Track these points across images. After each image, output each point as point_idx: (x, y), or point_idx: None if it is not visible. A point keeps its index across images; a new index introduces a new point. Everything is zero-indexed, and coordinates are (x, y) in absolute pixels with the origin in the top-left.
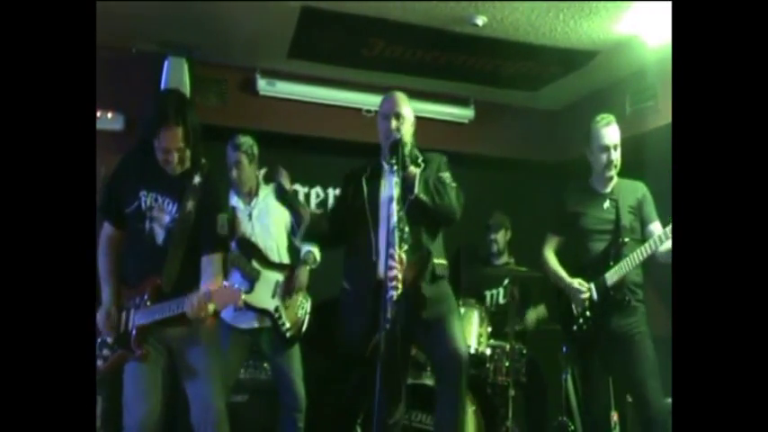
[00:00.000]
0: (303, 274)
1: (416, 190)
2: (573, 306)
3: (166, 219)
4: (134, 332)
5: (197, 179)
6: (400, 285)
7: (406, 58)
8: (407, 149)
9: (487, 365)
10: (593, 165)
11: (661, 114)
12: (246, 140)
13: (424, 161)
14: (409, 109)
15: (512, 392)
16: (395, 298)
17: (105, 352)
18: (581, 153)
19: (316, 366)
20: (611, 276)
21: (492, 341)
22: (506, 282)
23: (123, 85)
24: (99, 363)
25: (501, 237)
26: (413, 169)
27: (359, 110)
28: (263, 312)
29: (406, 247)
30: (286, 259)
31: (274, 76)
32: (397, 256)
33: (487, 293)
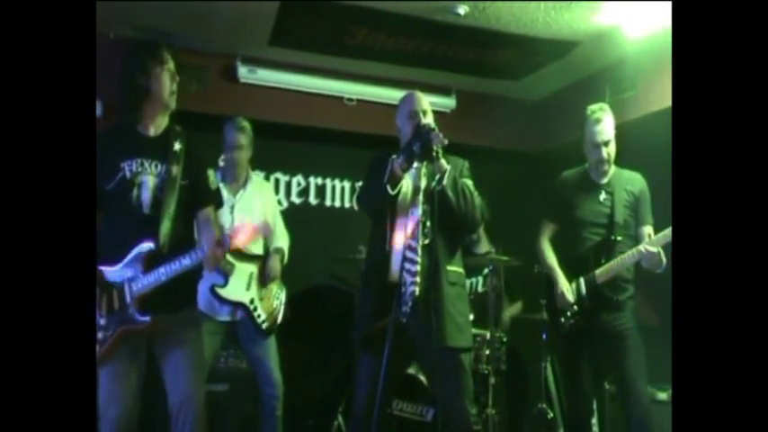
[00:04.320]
0: (275, 264)
1: (445, 182)
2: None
3: (155, 181)
4: (134, 303)
5: (177, 145)
6: (419, 279)
7: (388, 46)
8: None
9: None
10: (588, 156)
11: (640, 105)
12: (248, 124)
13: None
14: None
15: (492, 380)
16: (416, 293)
17: (99, 335)
18: (563, 143)
19: (296, 355)
20: (601, 274)
21: (472, 330)
22: (486, 270)
23: (101, 70)
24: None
25: None
26: (444, 163)
27: (341, 98)
28: (238, 305)
29: (427, 241)
30: (260, 251)
31: (255, 64)
32: (419, 249)
33: (468, 281)
